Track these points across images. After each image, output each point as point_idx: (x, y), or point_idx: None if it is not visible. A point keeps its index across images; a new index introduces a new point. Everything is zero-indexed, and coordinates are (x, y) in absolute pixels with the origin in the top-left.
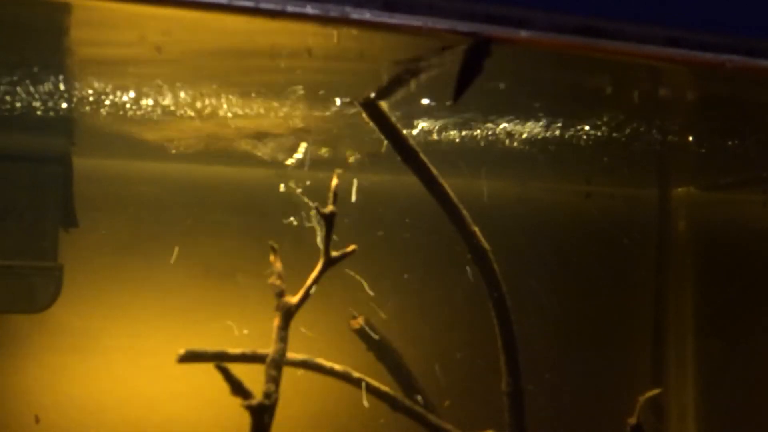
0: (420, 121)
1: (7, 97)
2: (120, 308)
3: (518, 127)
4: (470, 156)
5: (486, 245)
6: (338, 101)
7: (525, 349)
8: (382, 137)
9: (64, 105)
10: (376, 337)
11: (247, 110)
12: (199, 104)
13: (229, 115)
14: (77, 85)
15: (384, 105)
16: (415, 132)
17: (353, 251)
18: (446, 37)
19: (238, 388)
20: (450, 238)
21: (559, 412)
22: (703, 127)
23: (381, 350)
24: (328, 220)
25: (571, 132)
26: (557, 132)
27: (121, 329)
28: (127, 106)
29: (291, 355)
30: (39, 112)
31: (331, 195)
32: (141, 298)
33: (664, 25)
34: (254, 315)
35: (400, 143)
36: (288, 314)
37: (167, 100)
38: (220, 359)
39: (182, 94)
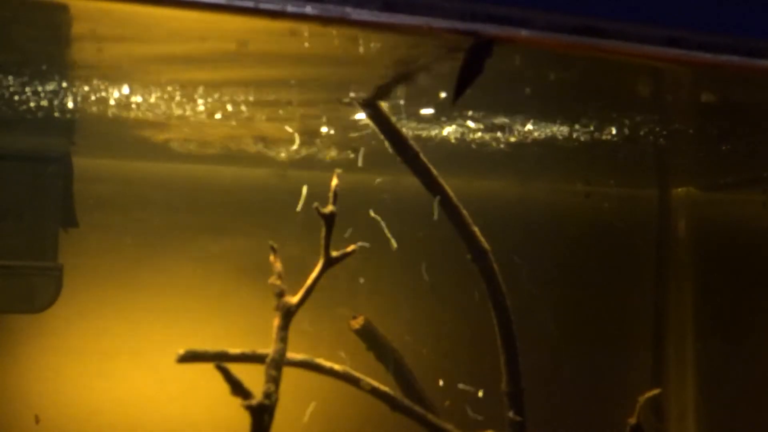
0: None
1: (7, 97)
2: (120, 308)
3: (517, 127)
4: (470, 156)
5: (486, 245)
6: (338, 102)
7: (525, 349)
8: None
9: (64, 105)
10: (376, 337)
11: (248, 110)
12: (199, 104)
13: (230, 115)
14: (77, 84)
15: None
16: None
17: (353, 251)
18: (446, 36)
19: (238, 388)
20: (450, 238)
21: (559, 412)
22: (704, 128)
23: (381, 350)
24: (328, 220)
25: (571, 132)
26: (557, 132)
27: (121, 329)
28: (127, 105)
29: (291, 355)
30: (39, 112)
31: (331, 195)
32: (141, 298)
33: (664, 25)
34: (254, 315)
35: (400, 143)
36: (288, 314)
37: (167, 100)
38: (220, 359)
39: (182, 95)
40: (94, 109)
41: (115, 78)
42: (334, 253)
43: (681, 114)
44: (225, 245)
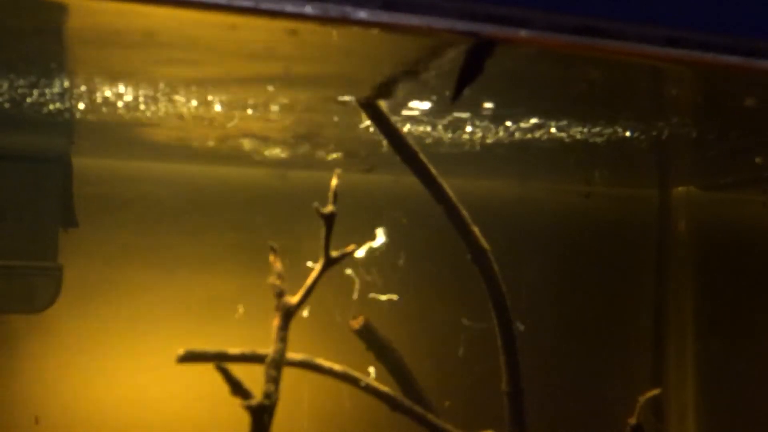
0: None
1: (7, 97)
2: (120, 308)
3: (516, 127)
4: (469, 155)
5: (486, 245)
6: (339, 102)
7: (525, 348)
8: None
9: (64, 104)
10: (376, 337)
11: (248, 110)
12: (199, 104)
13: (230, 114)
14: (77, 84)
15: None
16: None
17: (353, 251)
18: (446, 36)
19: (237, 388)
20: (450, 237)
21: (559, 412)
22: (703, 127)
23: (381, 350)
24: (328, 220)
25: (571, 131)
26: (556, 132)
27: (121, 329)
28: (128, 105)
29: (291, 355)
30: (39, 112)
31: (331, 195)
32: (141, 298)
33: (664, 25)
34: (254, 315)
35: (399, 143)
36: (288, 314)
37: (168, 100)
38: (219, 359)
39: (182, 95)
40: (94, 108)
41: (115, 77)
42: (334, 253)
43: (681, 114)
44: (225, 245)
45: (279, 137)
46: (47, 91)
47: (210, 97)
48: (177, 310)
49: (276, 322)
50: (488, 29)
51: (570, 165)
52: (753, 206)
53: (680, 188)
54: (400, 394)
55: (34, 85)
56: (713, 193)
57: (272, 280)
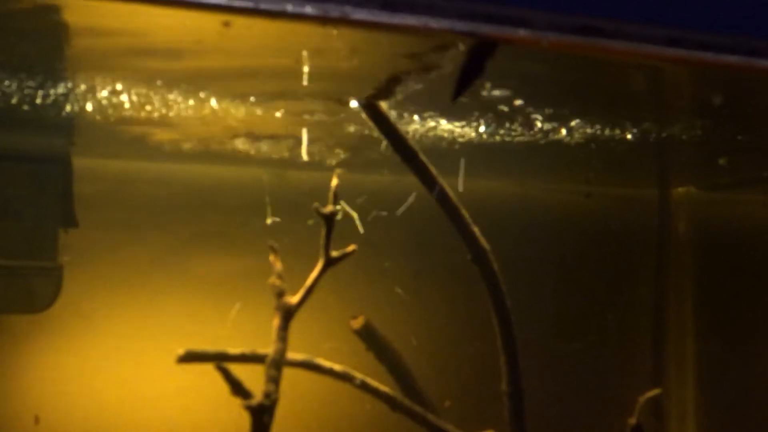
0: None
1: (7, 96)
2: (120, 308)
3: (516, 127)
4: (468, 155)
5: (486, 245)
6: (338, 101)
7: (525, 349)
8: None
9: (64, 104)
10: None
11: (249, 110)
12: (200, 104)
13: (230, 115)
14: (77, 84)
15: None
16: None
17: (353, 251)
18: (446, 36)
19: (238, 388)
20: (450, 237)
21: (559, 412)
22: (704, 128)
23: (381, 350)
24: (328, 220)
25: (570, 132)
26: (556, 131)
27: (121, 329)
28: (128, 105)
29: (291, 355)
30: (39, 112)
31: (331, 195)
32: (141, 297)
33: (664, 25)
34: (254, 315)
35: (399, 143)
36: (288, 314)
37: (168, 101)
38: (220, 359)
39: (182, 95)
40: (94, 108)
41: (115, 77)
42: (334, 253)
43: (681, 114)
44: (225, 244)
45: (279, 137)
46: (47, 91)
47: (211, 97)
48: (177, 310)
49: (276, 322)
50: (488, 29)
51: (570, 165)
52: (753, 206)
53: (680, 188)
54: (400, 394)
55: (34, 86)
56: (713, 193)
57: (272, 280)
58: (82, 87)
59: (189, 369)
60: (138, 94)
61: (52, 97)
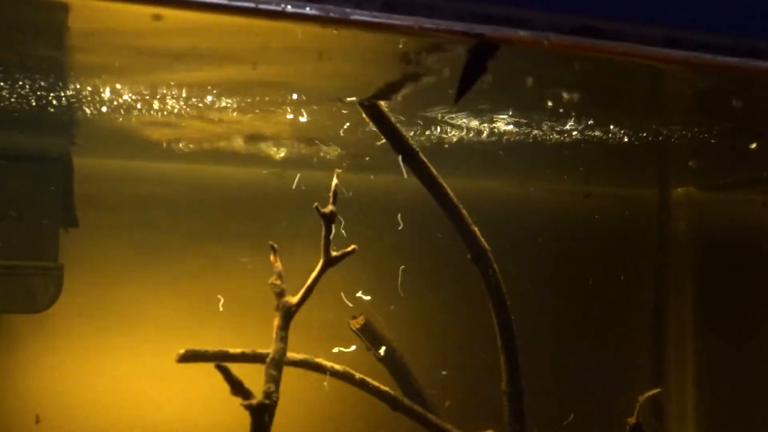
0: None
1: (7, 97)
2: (120, 308)
3: (517, 127)
4: (468, 155)
5: (486, 245)
6: (339, 102)
7: (525, 349)
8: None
9: (65, 105)
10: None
11: (248, 111)
12: (199, 104)
13: (230, 115)
14: (77, 84)
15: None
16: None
17: (353, 251)
18: (445, 37)
19: (238, 387)
20: (450, 237)
21: (559, 411)
22: (704, 127)
23: (380, 349)
24: (328, 220)
25: (569, 132)
26: (555, 131)
27: (121, 329)
28: (128, 106)
29: (291, 354)
30: (39, 112)
31: (331, 195)
32: (141, 298)
33: (664, 25)
34: (255, 314)
35: (400, 143)
36: (288, 314)
37: (168, 101)
38: (220, 359)
39: (183, 95)
40: (95, 109)
41: (115, 78)
42: (334, 253)
43: (681, 114)
44: (225, 244)
45: (279, 137)
46: (47, 91)
47: (211, 98)
48: (177, 310)
49: (276, 322)
50: (488, 30)
51: (570, 165)
52: (753, 206)
53: (680, 188)
54: (400, 394)
55: (34, 87)
56: (713, 193)
57: (272, 280)
58: (82, 87)
59: (189, 369)
60: (139, 95)
61: (52, 97)
